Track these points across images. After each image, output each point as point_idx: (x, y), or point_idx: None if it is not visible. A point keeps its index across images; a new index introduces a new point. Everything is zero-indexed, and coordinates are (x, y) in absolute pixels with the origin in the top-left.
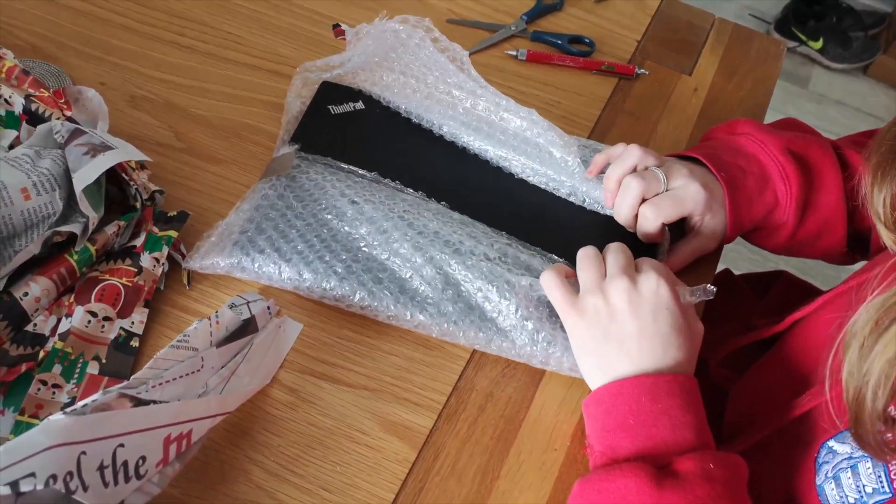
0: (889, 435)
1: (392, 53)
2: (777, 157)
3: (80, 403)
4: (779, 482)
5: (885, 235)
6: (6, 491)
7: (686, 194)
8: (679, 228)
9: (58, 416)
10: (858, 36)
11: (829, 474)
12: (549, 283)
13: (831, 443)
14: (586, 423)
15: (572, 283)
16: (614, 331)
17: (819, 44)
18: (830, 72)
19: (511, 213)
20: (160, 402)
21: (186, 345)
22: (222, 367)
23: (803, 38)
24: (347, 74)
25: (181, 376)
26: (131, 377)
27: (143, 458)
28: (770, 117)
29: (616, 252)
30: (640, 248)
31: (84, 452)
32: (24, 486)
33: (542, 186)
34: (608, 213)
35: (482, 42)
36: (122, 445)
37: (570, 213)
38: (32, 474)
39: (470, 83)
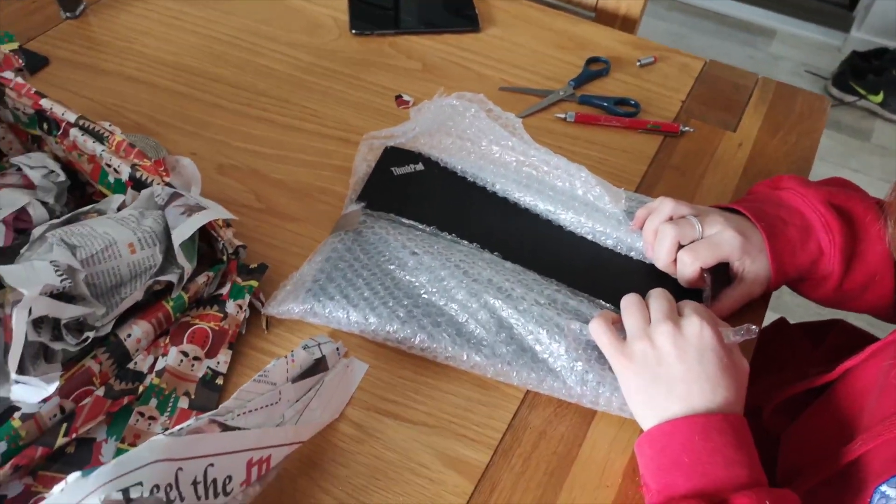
0: None
1: (449, 122)
2: (818, 208)
3: (177, 427)
4: None
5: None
6: (119, 496)
7: (722, 239)
8: (725, 277)
9: (160, 437)
10: None
11: None
12: (597, 330)
13: (884, 487)
14: (640, 462)
15: (618, 328)
16: (663, 374)
17: (879, 97)
18: (893, 124)
19: (560, 263)
20: (244, 428)
21: (266, 380)
22: (297, 401)
23: (863, 92)
24: (409, 140)
25: (261, 407)
26: (219, 406)
27: (230, 478)
28: (832, 171)
29: (658, 298)
30: (683, 294)
31: (181, 468)
32: (133, 493)
33: (589, 238)
34: (652, 261)
35: (532, 107)
36: (212, 465)
37: (616, 262)
38: (140, 483)
39: (522, 145)
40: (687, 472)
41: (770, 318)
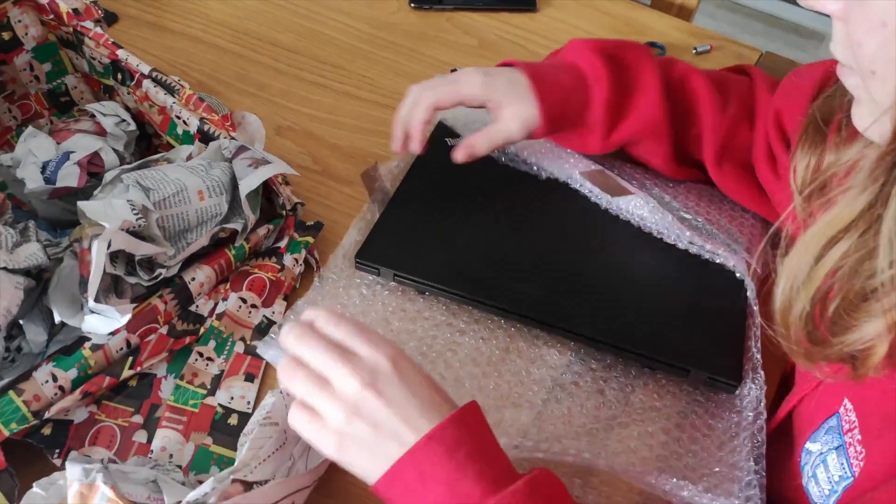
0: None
1: None
2: (588, 56)
3: (202, 492)
4: (781, 492)
5: (797, 200)
6: None
7: (460, 76)
8: None
9: None
10: None
11: (810, 474)
12: (294, 421)
13: (807, 445)
14: None
15: None
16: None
17: None
18: None
19: (602, 245)
20: (263, 482)
21: (270, 421)
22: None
23: None
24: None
25: (271, 454)
26: (237, 461)
27: None
28: None
29: (311, 347)
30: (722, 291)
31: None
32: None
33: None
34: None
35: None
36: None
37: (657, 246)
38: None
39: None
40: None
41: None
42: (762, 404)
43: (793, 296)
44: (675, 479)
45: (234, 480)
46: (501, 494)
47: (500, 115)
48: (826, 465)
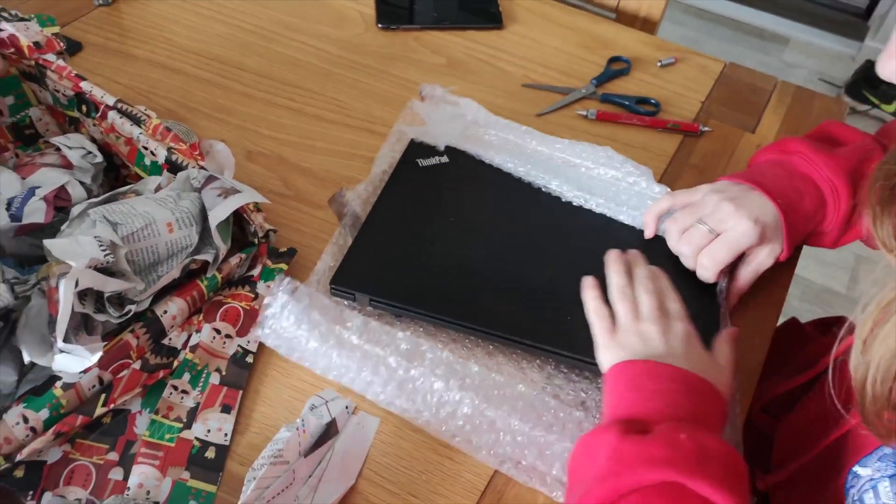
0: None
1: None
2: (832, 179)
3: None
4: None
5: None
6: None
7: (737, 235)
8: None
9: None
10: None
11: (856, 497)
12: (594, 314)
13: (856, 468)
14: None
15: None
16: (649, 350)
17: (892, 107)
18: None
19: (593, 252)
20: None
21: (281, 459)
22: (310, 476)
23: (876, 101)
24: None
25: (277, 494)
26: (241, 499)
27: None
28: None
29: (647, 293)
30: (696, 294)
31: None
32: None
33: (622, 220)
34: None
35: (555, 104)
36: None
37: (633, 238)
38: None
39: (548, 138)
40: (628, 402)
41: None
42: (738, 395)
43: (881, 385)
44: None
45: None
46: (705, 432)
47: (759, 251)
48: (876, 491)
